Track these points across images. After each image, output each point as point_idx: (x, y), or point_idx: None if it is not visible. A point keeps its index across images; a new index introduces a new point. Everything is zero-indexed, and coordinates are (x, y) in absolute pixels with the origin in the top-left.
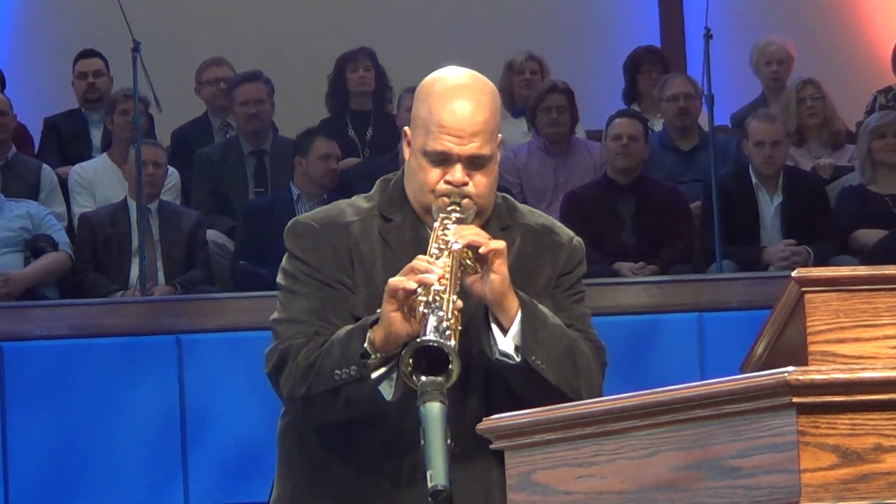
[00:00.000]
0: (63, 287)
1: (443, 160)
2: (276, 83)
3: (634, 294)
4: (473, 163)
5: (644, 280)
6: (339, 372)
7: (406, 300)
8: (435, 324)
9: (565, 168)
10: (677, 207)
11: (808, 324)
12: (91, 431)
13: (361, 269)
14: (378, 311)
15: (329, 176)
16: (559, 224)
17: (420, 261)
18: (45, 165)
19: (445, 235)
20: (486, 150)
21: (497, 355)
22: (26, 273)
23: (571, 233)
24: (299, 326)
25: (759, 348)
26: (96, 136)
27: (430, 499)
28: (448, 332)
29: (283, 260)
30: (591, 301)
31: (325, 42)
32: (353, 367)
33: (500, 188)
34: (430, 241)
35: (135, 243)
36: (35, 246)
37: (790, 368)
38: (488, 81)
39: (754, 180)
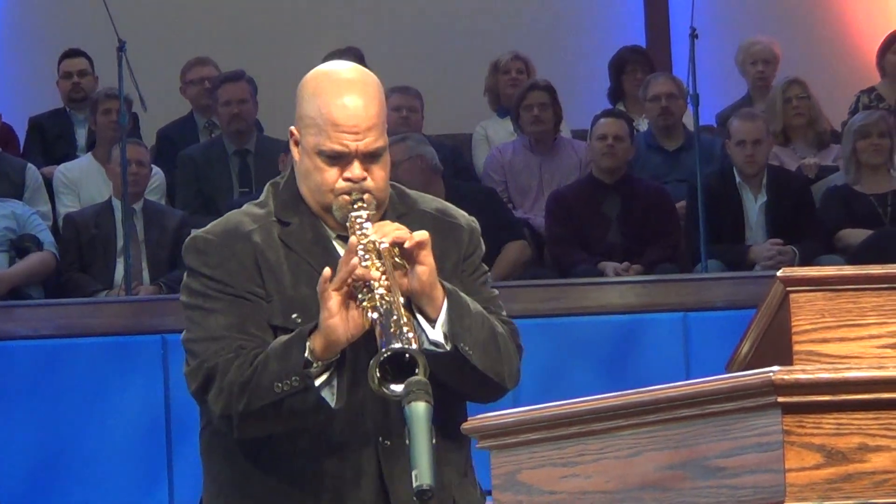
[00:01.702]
0: (48, 287)
1: (340, 158)
2: (263, 83)
3: (619, 294)
4: (370, 157)
5: (629, 280)
6: (280, 384)
7: (347, 300)
8: (393, 329)
9: (550, 167)
10: (663, 207)
11: (793, 323)
12: (76, 431)
13: (271, 277)
14: (293, 316)
15: None
16: (453, 206)
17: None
18: (29, 165)
19: (365, 236)
20: (381, 143)
21: (426, 345)
22: (11, 273)
23: (466, 214)
24: (221, 343)
25: (745, 348)
26: (81, 135)
27: (415, 498)
28: (409, 336)
29: (186, 278)
30: (576, 300)
31: (311, 41)
32: (295, 378)
33: (487, 187)
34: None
35: (120, 243)
36: (20, 246)
37: (775, 368)
38: (371, 72)
39: (738, 179)
